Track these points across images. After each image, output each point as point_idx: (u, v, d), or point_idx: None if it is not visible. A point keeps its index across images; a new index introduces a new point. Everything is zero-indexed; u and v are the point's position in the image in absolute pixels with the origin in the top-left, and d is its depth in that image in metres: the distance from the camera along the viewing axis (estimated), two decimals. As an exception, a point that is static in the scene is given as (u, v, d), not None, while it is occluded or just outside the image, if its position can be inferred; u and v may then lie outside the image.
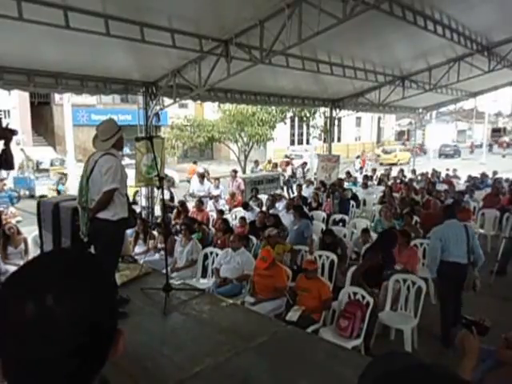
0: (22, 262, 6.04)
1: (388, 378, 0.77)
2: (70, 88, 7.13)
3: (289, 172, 17.64)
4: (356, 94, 11.26)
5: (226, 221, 7.37)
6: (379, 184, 13.24)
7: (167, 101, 8.26)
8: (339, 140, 31.62)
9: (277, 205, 9.19)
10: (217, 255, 5.75)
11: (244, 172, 16.45)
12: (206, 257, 5.99)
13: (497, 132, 45.38)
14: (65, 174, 14.45)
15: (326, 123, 13.80)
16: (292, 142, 30.53)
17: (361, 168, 20.39)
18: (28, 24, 4.25)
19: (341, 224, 8.28)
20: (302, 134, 30.72)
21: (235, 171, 12.39)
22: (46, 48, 5.75)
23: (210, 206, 9.91)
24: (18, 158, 17.28)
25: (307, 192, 11.36)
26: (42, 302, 0.60)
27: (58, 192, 13.25)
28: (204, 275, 5.84)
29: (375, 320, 4.47)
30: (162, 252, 6.15)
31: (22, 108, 21.04)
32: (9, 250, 5.88)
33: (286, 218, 7.73)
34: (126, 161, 14.86)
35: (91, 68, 6.78)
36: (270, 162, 19.14)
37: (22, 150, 18.25)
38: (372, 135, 37.67)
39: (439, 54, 8.54)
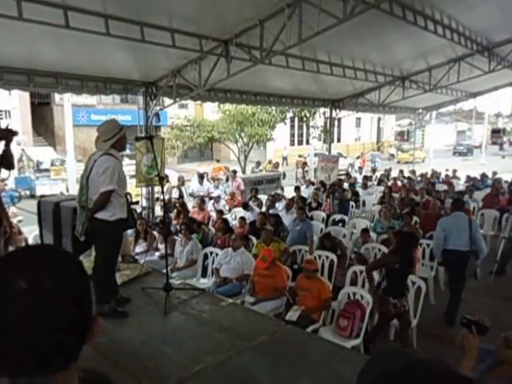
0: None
1: (387, 376, 0.77)
2: (70, 88, 7.13)
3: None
4: (356, 94, 11.27)
5: (225, 221, 7.38)
6: (379, 184, 13.25)
7: (167, 101, 8.27)
8: (339, 140, 31.64)
9: (276, 205, 9.19)
10: (217, 255, 5.75)
11: (244, 172, 16.46)
12: (205, 257, 6.00)
13: (496, 133, 45.40)
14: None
15: (325, 123, 13.79)
16: (292, 143, 30.54)
17: (360, 168, 20.40)
18: (28, 24, 4.25)
19: (340, 224, 8.29)
20: (301, 135, 30.73)
21: (234, 171, 12.41)
22: (46, 48, 5.75)
23: (209, 206, 9.92)
24: (17, 158, 17.34)
25: (307, 192, 11.37)
26: (30, 278, 0.68)
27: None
28: (204, 275, 5.85)
29: (407, 334, 4.25)
30: (162, 252, 6.18)
31: (23, 108, 21.05)
32: (10, 249, 5.88)
33: (286, 219, 7.74)
34: (126, 161, 14.90)
35: (91, 68, 6.78)
36: (270, 162, 19.16)
37: (22, 150, 18.28)
38: (372, 136, 37.68)
39: (439, 55, 8.55)
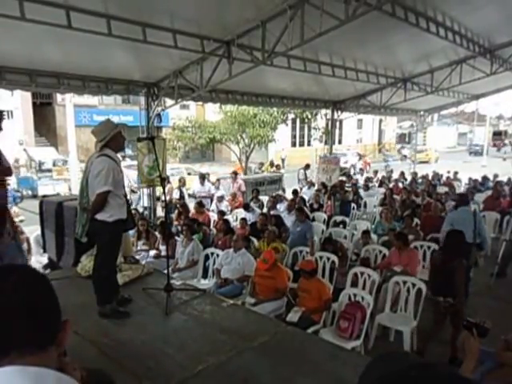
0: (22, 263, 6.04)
1: (388, 377, 0.78)
2: (72, 88, 7.15)
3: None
4: (357, 95, 11.28)
5: (226, 222, 7.38)
6: (380, 186, 13.25)
7: (169, 102, 8.29)
8: (340, 142, 31.62)
9: (278, 206, 9.20)
10: (218, 256, 5.76)
11: (245, 173, 16.48)
12: (206, 257, 6.00)
13: (498, 135, 45.34)
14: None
15: (327, 125, 13.81)
16: (293, 144, 30.54)
17: (361, 170, 20.38)
18: (30, 24, 4.26)
19: (341, 226, 8.29)
20: (303, 136, 30.73)
21: (235, 173, 12.42)
22: (48, 48, 5.77)
23: (212, 206, 9.93)
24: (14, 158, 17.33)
25: (308, 193, 11.37)
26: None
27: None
28: (205, 276, 5.85)
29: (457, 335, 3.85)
30: (163, 253, 6.19)
31: (25, 108, 21.10)
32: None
33: (288, 220, 7.74)
34: (128, 162, 14.93)
35: (93, 68, 6.80)
36: (271, 163, 19.18)
37: (24, 150, 18.33)
38: (373, 137, 37.67)
39: (441, 57, 8.55)
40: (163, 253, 6.23)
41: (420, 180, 13.99)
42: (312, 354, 3.01)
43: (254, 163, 17.94)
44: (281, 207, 9.15)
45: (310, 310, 4.46)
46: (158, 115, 8.34)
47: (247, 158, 17.64)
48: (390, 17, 5.34)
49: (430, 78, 9.68)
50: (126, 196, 3.80)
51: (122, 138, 3.70)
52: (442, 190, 11.72)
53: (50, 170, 16.79)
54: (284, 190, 13.21)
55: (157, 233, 6.96)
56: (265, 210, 9.11)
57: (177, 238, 6.84)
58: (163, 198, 4.46)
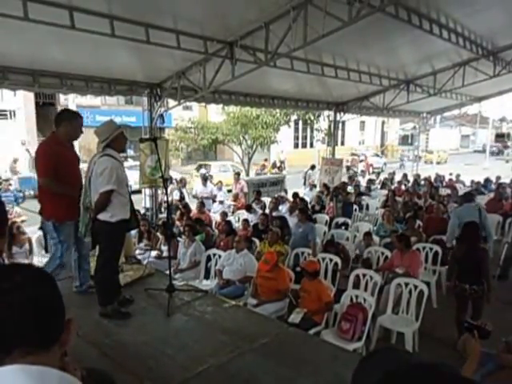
0: (26, 262, 6.06)
1: (391, 378, 0.77)
2: (75, 89, 7.17)
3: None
4: (360, 97, 11.28)
5: (229, 223, 7.38)
6: (382, 188, 13.23)
7: (171, 102, 8.30)
8: (343, 144, 31.59)
9: (280, 207, 9.20)
10: (220, 257, 5.75)
11: (247, 174, 16.49)
12: (208, 258, 6.00)
13: (500, 137, 45.27)
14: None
15: (329, 126, 13.80)
16: (296, 145, 30.52)
17: (362, 171, 20.38)
18: (33, 24, 4.27)
19: (343, 227, 8.27)
20: (305, 137, 30.71)
21: (238, 174, 12.44)
22: (51, 48, 5.79)
23: (214, 207, 9.93)
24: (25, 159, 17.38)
25: (310, 195, 11.36)
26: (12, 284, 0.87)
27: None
28: (207, 277, 5.85)
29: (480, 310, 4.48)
30: (165, 253, 6.19)
31: (27, 108, 21.12)
32: (14, 249, 5.91)
33: (290, 221, 7.73)
34: (130, 162, 14.95)
35: (96, 69, 6.82)
36: (274, 165, 19.20)
37: (27, 150, 18.37)
38: (376, 139, 37.62)
39: (444, 59, 8.55)
40: (165, 253, 6.23)
41: (422, 182, 13.95)
42: (313, 356, 3.00)
43: (256, 164, 17.99)
44: (283, 208, 9.15)
45: (311, 311, 4.45)
46: (161, 116, 8.36)
47: (249, 159, 17.65)
48: (393, 18, 5.35)
49: (433, 80, 9.68)
50: (129, 195, 3.81)
51: (124, 139, 3.71)
52: (444, 191, 11.69)
53: (52, 170, 16.78)
54: (286, 192, 13.21)
55: (158, 233, 6.97)
56: (267, 211, 9.11)
57: (179, 238, 6.84)
58: (165, 198, 4.46)
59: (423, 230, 7.40)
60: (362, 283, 4.99)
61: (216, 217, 8.90)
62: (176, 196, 10.30)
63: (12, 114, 20.56)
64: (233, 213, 9.66)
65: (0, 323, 0.84)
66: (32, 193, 15.88)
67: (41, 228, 4.40)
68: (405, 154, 29.83)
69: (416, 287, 4.67)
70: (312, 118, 18.21)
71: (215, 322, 3.54)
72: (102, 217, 3.54)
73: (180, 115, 18.96)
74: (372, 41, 6.74)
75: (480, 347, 1.93)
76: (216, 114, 20.01)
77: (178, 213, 8.73)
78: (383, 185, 13.76)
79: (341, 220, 8.66)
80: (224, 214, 8.38)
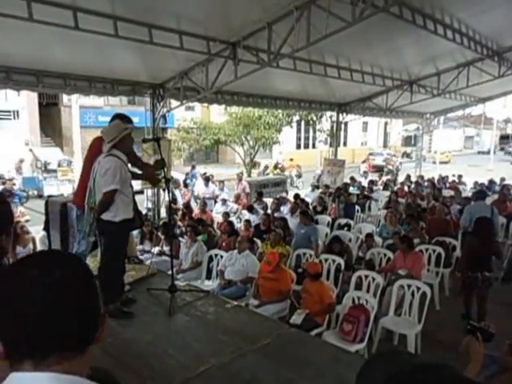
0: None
1: (394, 379, 0.76)
2: (78, 89, 7.20)
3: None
4: (363, 98, 11.26)
5: (231, 223, 7.37)
6: (385, 189, 13.19)
7: (174, 103, 8.31)
8: (345, 144, 31.55)
9: (281, 208, 9.19)
10: (221, 257, 5.75)
11: (249, 175, 16.50)
12: (210, 259, 6.00)
13: (505, 139, 45.08)
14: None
15: (332, 127, 13.79)
16: (298, 146, 30.51)
17: (365, 173, 20.32)
18: (37, 25, 4.29)
19: (346, 228, 8.25)
20: (307, 138, 30.69)
21: (240, 174, 12.46)
22: (55, 49, 5.81)
23: (216, 208, 9.91)
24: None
25: (312, 196, 11.35)
26: (63, 274, 0.79)
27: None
28: (209, 277, 5.85)
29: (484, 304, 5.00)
30: (167, 253, 6.19)
31: (31, 109, 21.20)
32: (17, 249, 5.93)
33: (291, 222, 7.72)
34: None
35: (99, 69, 6.84)
36: (275, 166, 19.19)
37: (30, 150, 18.46)
38: (378, 140, 37.55)
39: (448, 59, 8.52)
40: (167, 253, 6.24)
41: (426, 183, 13.90)
42: (315, 357, 2.99)
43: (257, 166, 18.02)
44: (284, 209, 9.14)
45: (313, 312, 4.44)
46: (164, 116, 8.37)
47: (252, 159, 17.64)
48: (397, 19, 5.33)
49: (437, 81, 9.65)
50: (133, 195, 3.81)
51: (129, 140, 3.71)
52: (447, 193, 11.64)
53: (55, 171, 16.85)
54: (287, 192, 13.21)
55: (159, 234, 6.97)
56: (269, 211, 9.10)
57: (180, 238, 6.84)
58: (167, 198, 4.45)
59: (426, 232, 7.37)
60: (364, 284, 4.97)
61: (218, 217, 8.90)
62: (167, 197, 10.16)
63: (15, 114, 20.63)
64: (235, 213, 9.65)
65: (39, 324, 0.75)
66: (35, 193, 15.98)
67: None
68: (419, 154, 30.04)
69: (419, 289, 4.65)
70: (314, 118, 18.19)
71: (217, 323, 3.54)
72: (105, 216, 3.54)
73: (182, 116, 18.98)
74: (375, 41, 6.72)
75: (483, 350, 1.92)
76: (218, 114, 20.02)
77: (180, 213, 8.74)
78: (385, 186, 13.72)
79: (343, 221, 8.64)
80: (226, 215, 8.38)
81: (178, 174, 16.46)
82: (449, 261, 6.36)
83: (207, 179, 11.14)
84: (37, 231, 6.84)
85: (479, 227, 5.12)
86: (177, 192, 10.39)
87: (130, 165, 4.18)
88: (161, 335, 3.29)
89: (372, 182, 13.54)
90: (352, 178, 13.63)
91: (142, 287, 4.30)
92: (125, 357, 2.90)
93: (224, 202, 10.03)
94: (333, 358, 2.97)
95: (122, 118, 3.89)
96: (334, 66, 7.90)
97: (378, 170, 22.84)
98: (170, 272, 4.22)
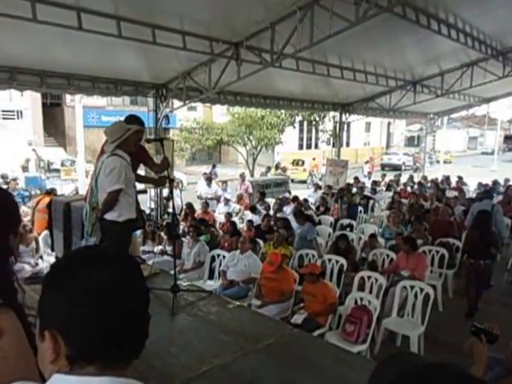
0: (32, 261, 6.11)
1: (404, 378, 0.76)
2: (82, 89, 7.22)
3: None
4: (366, 98, 11.23)
5: (233, 223, 7.37)
6: (387, 190, 13.15)
7: (177, 103, 8.31)
8: (348, 145, 31.49)
9: (284, 208, 9.18)
10: (224, 257, 5.75)
11: (252, 175, 16.49)
12: (213, 259, 6.00)
13: (509, 139, 44.90)
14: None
15: (335, 128, 13.77)
16: (300, 146, 30.49)
17: (369, 173, 20.26)
18: (41, 25, 4.31)
19: (348, 229, 8.23)
20: (310, 139, 30.66)
21: (243, 174, 12.47)
22: (59, 49, 5.83)
23: (219, 208, 9.91)
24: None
25: (314, 196, 11.33)
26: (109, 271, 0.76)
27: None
28: (211, 277, 5.85)
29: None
30: (169, 253, 6.19)
31: (34, 109, 21.30)
32: (20, 248, 5.95)
33: (294, 222, 7.71)
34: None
35: (102, 69, 6.85)
36: (277, 166, 19.17)
37: (33, 150, 18.54)
38: (381, 140, 37.48)
39: (452, 59, 8.48)
40: (169, 253, 6.24)
41: (429, 184, 13.85)
42: (317, 357, 2.98)
43: (260, 166, 17.96)
44: (287, 210, 9.13)
45: (315, 312, 4.43)
46: (166, 116, 8.37)
47: (254, 160, 17.63)
48: (401, 19, 5.31)
49: (441, 81, 9.61)
50: (136, 195, 3.81)
51: (133, 141, 3.71)
52: (451, 194, 11.59)
53: (58, 170, 16.93)
54: (290, 193, 13.19)
55: (162, 233, 6.98)
56: (271, 212, 9.10)
57: (183, 239, 6.85)
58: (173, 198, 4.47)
59: (429, 233, 7.34)
60: (366, 285, 4.96)
61: (220, 217, 8.90)
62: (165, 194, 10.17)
63: (19, 114, 20.73)
64: (237, 214, 9.64)
65: (135, 325, 0.75)
66: (38, 192, 16.04)
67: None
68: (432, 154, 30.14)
69: (422, 290, 4.63)
70: (317, 118, 18.17)
71: (219, 323, 3.54)
72: (109, 216, 3.55)
73: (185, 116, 19.00)
74: (379, 41, 6.70)
75: (487, 352, 1.90)
76: (221, 114, 20.03)
77: (183, 213, 8.74)
78: (388, 186, 13.68)
79: (346, 222, 8.63)
80: (228, 215, 8.38)
81: (180, 174, 16.51)
82: (452, 262, 6.33)
83: (209, 179, 11.14)
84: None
85: (479, 219, 5.67)
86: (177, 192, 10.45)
87: (141, 164, 4.22)
88: (163, 335, 3.29)
89: (375, 183, 13.50)
90: (356, 179, 13.61)
91: (145, 287, 4.30)
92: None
93: (226, 202, 10.01)
94: (335, 358, 2.96)
95: (134, 120, 3.92)
96: (337, 66, 7.89)
97: (395, 168, 24.68)
98: (172, 272, 4.22)
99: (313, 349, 3.16)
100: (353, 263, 5.74)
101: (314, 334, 4.05)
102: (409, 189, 12.77)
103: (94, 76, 7.00)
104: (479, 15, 6.16)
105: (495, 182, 13.75)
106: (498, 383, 1.98)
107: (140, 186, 5.12)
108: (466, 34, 6.72)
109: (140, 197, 4.24)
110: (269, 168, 17.45)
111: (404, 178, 15.00)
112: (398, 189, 12.83)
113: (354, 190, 11.67)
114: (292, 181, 17.06)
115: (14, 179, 13.28)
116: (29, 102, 20.16)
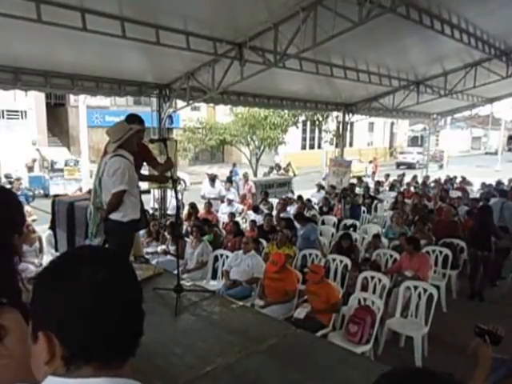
0: (36, 261, 6.14)
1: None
2: (86, 89, 7.24)
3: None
4: (369, 98, 11.21)
5: (236, 223, 7.37)
6: (391, 190, 13.12)
7: (180, 103, 8.32)
8: (351, 145, 31.44)
9: (288, 209, 9.17)
10: (227, 257, 5.76)
11: (255, 175, 16.50)
12: (216, 259, 6.01)
13: (513, 139, 44.69)
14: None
15: (338, 128, 13.75)
16: (303, 146, 30.46)
17: (373, 173, 20.23)
18: (45, 26, 4.33)
19: (352, 229, 8.22)
20: (313, 139, 30.63)
21: (246, 174, 12.47)
22: (63, 50, 5.85)
23: (222, 208, 9.91)
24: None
25: (318, 196, 11.32)
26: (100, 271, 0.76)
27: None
28: (214, 277, 5.86)
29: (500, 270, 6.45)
30: (173, 253, 6.20)
31: (38, 109, 21.38)
32: (24, 248, 5.98)
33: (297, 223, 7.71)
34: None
35: (106, 70, 6.88)
36: (279, 167, 19.15)
37: (37, 149, 18.62)
38: (384, 140, 37.38)
39: (455, 59, 8.46)
40: (173, 253, 6.25)
41: (432, 184, 13.81)
42: (321, 358, 2.98)
43: (263, 166, 17.92)
44: (291, 210, 9.13)
45: (318, 310, 4.43)
46: (170, 117, 8.39)
47: (257, 160, 17.63)
48: (404, 19, 5.30)
49: (444, 81, 9.58)
50: (140, 195, 3.83)
51: (135, 140, 3.72)
52: (454, 194, 11.55)
53: (61, 170, 16.98)
54: (293, 193, 13.19)
55: (166, 233, 6.99)
56: (274, 212, 9.10)
57: (186, 239, 6.86)
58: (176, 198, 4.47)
59: (433, 233, 7.32)
60: (370, 286, 4.95)
61: (224, 217, 8.90)
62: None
63: (23, 114, 20.81)
64: (240, 214, 9.64)
65: (125, 323, 0.76)
66: (42, 192, 16.11)
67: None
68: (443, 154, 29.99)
69: (425, 291, 4.62)
70: (320, 119, 18.14)
71: (223, 323, 3.54)
72: (113, 216, 3.56)
73: (188, 116, 19.02)
74: (382, 41, 6.70)
75: (491, 353, 1.90)
76: (224, 114, 20.03)
77: (186, 213, 8.75)
78: (392, 187, 13.65)
79: (349, 222, 8.62)
80: (232, 215, 8.38)
81: (183, 174, 16.53)
82: (456, 262, 6.32)
83: (213, 179, 11.14)
84: (42, 230, 6.89)
85: (478, 214, 6.30)
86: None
87: (145, 163, 4.24)
88: (167, 335, 3.30)
89: (378, 183, 13.48)
90: (359, 179, 13.58)
91: (149, 287, 4.30)
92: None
93: (230, 202, 10.02)
94: (338, 359, 2.96)
95: (134, 119, 3.92)
96: (341, 67, 7.88)
97: (409, 166, 26.62)
98: (175, 272, 4.23)
99: (316, 349, 3.16)
100: (356, 262, 5.74)
101: (318, 334, 4.06)
102: (412, 189, 12.74)
103: (98, 76, 7.02)
104: (483, 15, 6.14)
105: (499, 182, 13.69)
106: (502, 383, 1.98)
107: (144, 187, 5.15)
108: (469, 34, 6.70)
109: (143, 197, 4.26)
110: (272, 168, 17.44)
111: (408, 178, 14.95)
112: (402, 189, 12.80)
113: (358, 190, 11.66)
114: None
115: (18, 179, 13.35)
116: (33, 102, 20.24)
